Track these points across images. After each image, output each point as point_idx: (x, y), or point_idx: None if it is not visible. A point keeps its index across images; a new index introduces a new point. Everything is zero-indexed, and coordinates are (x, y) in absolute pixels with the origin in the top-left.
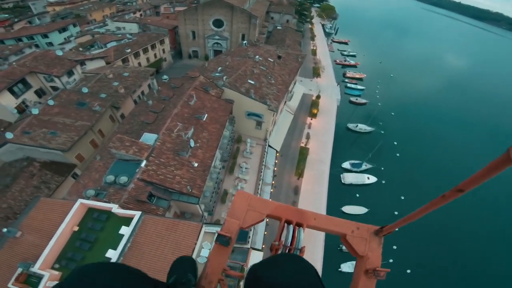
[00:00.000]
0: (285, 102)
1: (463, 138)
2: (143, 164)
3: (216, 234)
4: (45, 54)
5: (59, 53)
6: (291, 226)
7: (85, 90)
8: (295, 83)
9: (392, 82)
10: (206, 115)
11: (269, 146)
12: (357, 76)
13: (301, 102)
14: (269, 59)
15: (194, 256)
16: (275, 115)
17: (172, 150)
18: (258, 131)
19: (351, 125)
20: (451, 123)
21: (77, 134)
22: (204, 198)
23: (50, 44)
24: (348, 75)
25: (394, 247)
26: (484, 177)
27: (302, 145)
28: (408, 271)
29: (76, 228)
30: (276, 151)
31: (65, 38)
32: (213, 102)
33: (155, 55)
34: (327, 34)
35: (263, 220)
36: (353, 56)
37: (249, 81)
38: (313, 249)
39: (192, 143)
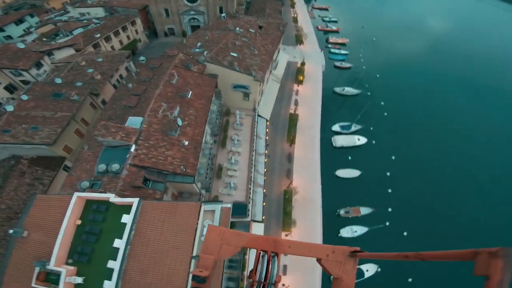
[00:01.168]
0: (271, 71)
1: (449, 93)
2: (132, 148)
3: (191, 275)
4: (5, 48)
5: (21, 45)
6: (265, 260)
7: (58, 80)
8: (278, 52)
9: (375, 46)
10: (191, 92)
11: (259, 115)
12: (340, 41)
13: (287, 70)
14: (250, 30)
15: (197, 237)
16: (262, 85)
17: (160, 131)
18: (246, 102)
19: (337, 89)
20: (436, 80)
21: (60, 126)
22: (199, 176)
23: (9, 37)
24: (331, 40)
25: (389, 209)
26: (445, 259)
27: (291, 112)
28: (405, 233)
29: (79, 222)
30: (266, 120)
31: (24, 30)
32: (196, 79)
33: (128, 37)
34: (307, 1)
35: (237, 250)
36: (335, 22)
37: (232, 54)
38: (312, 215)
39: (179, 122)
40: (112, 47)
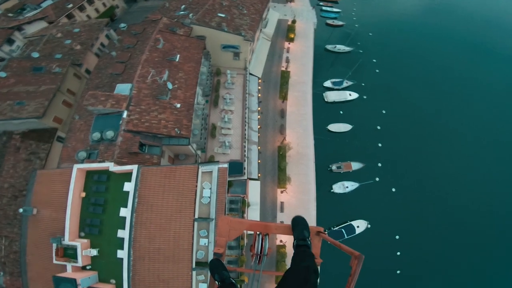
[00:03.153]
0: (261, 29)
1: (446, 53)
2: (124, 114)
3: (213, 252)
4: None
5: None
6: (260, 238)
7: (35, 54)
8: (268, 10)
9: (368, 4)
10: (178, 55)
11: (250, 74)
12: None
13: (277, 28)
14: None
15: (197, 199)
16: (252, 44)
17: (150, 95)
18: (237, 61)
19: (329, 46)
20: (433, 40)
21: (46, 99)
22: (194, 136)
23: None
24: None
25: (379, 164)
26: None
27: (283, 69)
28: (393, 189)
29: (84, 195)
30: (258, 78)
31: None
32: (183, 42)
33: (104, 4)
34: None
35: (241, 233)
36: None
37: (219, 14)
38: (306, 171)
39: (170, 85)
40: (88, 16)
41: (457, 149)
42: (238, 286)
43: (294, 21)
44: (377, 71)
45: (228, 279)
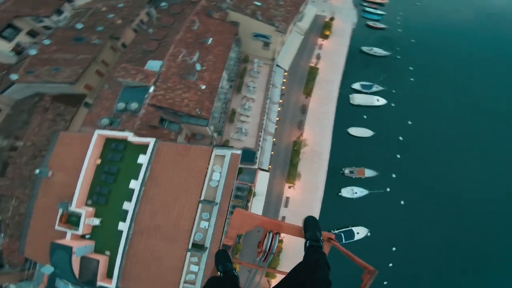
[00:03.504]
0: (295, 23)
1: (491, 72)
2: (151, 89)
3: (222, 244)
4: None
5: None
6: (271, 235)
7: (79, 26)
8: (306, 4)
9: (418, 11)
10: (211, 38)
11: (277, 65)
12: (378, 0)
13: (313, 23)
14: None
15: (206, 181)
16: (284, 36)
17: (178, 74)
18: (266, 51)
19: (365, 48)
20: (478, 59)
21: (81, 67)
22: (213, 119)
23: None
24: None
25: (394, 175)
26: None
27: (312, 65)
28: (402, 202)
29: (99, 161)
30: (285, 70)
31: None
32: (217, 26)
33: None
34: None
35: (253, 228)
36: None
37: (256, 3)
38: (317, 170)
39: (198, 67)
40: None
41: (481, 181)
42: (240, 279)
43: (332, 18)
44: (411, 79)
45: (231, 271)
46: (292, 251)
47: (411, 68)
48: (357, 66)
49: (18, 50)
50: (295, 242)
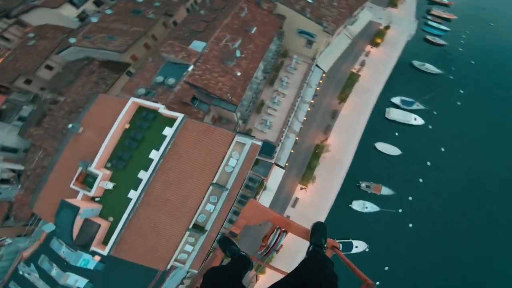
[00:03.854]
0: (346, 26)
1: None
2: (190, 68)
3: (229, 231)
4: None
5: None
6: (278, 232)
7: None
8: (362, 9)
9: (489, 32)
10: (255, 28)
11: (317, 65)
12: (445, 16)
13: (365, 29)
14: None
15: (222, 165)
16: (330, 37)
17: (218, 58)
18: (308, 49)
19: (416, 63)
20: None
21: (132, 38)
22: (241, 106)
23: None
24: (433, 12)
25: (410, 198)
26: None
27: (354, 71)
28: (410, 225)
29: (127, 126)
30: (323, 71)
31: None
32: (264, 16)
33: None
34: None
35: (262, 222)
36: None
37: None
38: (334, 178)
39: (238, 53)
40: None
41: (501, 232)
42: (249, 258)
43: (387, 27)
44: (458, 103)
45: (238, 253)
46: (288, 250)
47: (461, 91)
48: (402, 79)
49: (82, 17)
50: (292, 242)
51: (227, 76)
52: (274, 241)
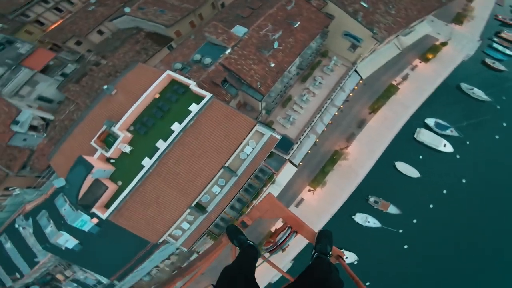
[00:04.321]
0: (398, 35)
1: None
2: (227, 51)
3: (241, 220)
4: None
5: None
6: (289, 231)
7: None
8: (422, 21)
9: None
10: (299, 23)
11: (355, 71)
12: None
13: (418, 41)
14: None
15: (238, 150)
16: (378, 45)
17: (255, 46)
18: (350, 53)
19: (464, 86)
20: None
21: (181, 15)
22: (268, 97)
23: None
24: (502, 35)
25: (414, 221)
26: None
27: (394, 83)
28: (405, 246)
29: (157, 96)
30: (361, 78)
31: None
32: (311, 13)
33: None
34: None
35: (274, 218)
36: None
37: (362, 3)
38: (344, 187)
39: (276, 45)
40: None
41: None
42: (257, 247)
43: (444, 43)
44: (496, 137)
45: (246, 242)
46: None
47: (504, 124)
48: (443, 101)
49: None
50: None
51: (261, 65)
52: (283, 239)
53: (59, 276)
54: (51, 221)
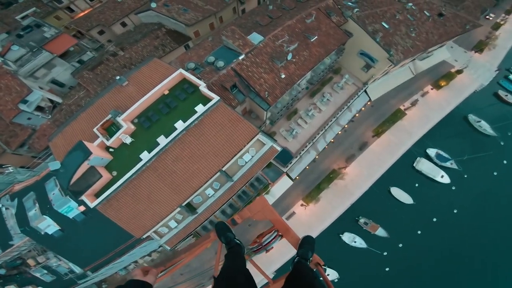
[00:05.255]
0: (414, 59)
1: None
2: (241, 57)
3: (231, 218)
4: None
5: None
6: (275, 234)
7: None
8: (441, 46)
9: None
10: (316, 37)
11: (365, 91)
12: None
13: (434, 67)
14: (425, 12)
15: (237, 156)
16: (392, 67)
17: (269, 55)
18: (363, 73)
19: (472, 117)
20: None
21: (202, 16)
22: (274, 108)
23: None
24: None
25: (400, 245)
26: None
27: (402, 108)
28: (387, 269)
29: (167, 92)
30: (369, 99)
31: None
32: (330, 28)
33: None
34: None
35: (263, 220)
36: None
37: (383, 23)
38: (337, 206)
39: (289, 56)
40: None
41: None
42: (243, 246)
43: (459, 71)
44: (495, 173)
45: (233, 241)
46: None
47: (504, 162)
48: (448, 131)
49: None
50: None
51: (272, 74)
52: (268, 241)
53: (30, 261)
54: (37, 204)
